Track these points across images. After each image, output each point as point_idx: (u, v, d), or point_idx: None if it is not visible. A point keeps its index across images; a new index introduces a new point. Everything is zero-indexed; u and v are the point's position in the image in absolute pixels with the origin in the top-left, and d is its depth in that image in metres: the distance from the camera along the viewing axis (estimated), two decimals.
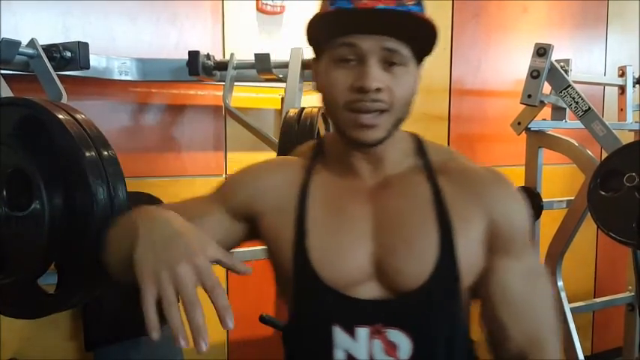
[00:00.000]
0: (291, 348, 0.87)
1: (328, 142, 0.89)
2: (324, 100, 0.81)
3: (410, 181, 0.83)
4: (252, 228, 0.88)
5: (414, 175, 0.83)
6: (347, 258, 0.80)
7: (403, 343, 0.77)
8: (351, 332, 0.78)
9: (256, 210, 0.87)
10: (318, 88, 0.82)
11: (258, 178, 0.89)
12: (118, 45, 1.87)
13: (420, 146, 0.87)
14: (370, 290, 0.79)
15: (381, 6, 0.72)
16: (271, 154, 1.65)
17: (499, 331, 0.81)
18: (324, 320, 0.80)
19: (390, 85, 0.75)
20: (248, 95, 2.12)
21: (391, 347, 0.77)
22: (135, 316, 1.74)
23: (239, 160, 2.13)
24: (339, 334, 0.78)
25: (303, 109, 1.43)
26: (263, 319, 1.84)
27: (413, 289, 0.77)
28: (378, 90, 0.74)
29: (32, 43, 1.42)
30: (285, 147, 1.35)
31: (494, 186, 0.82)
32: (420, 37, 0.76)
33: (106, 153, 1.11)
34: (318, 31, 0.79)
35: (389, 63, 0.75)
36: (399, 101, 0.77)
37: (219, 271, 2.05)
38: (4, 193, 1.09)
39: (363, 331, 0.77)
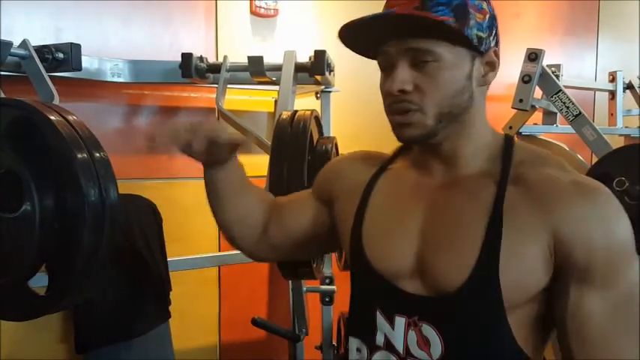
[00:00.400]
0: (348, 326, 0.92)
1: None
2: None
3: (476, 183, 0.79)
4: (332, 211, 0.96)
5: (483, 179, 0.79)
6: (394, 251, 0.82)
7: (435, 340, 0.77)
8: (390, 319, 0.80)
9: (333, 194, 0.95)
10: None
11: (339, 164, 1.01)
12: (111, 47, 1.86)
13: (507, 149, 0.81)
14: (414, 285, 0.80)
15: (380, 13, 0.76)
16: (264, 157, 1.65)
17: (568, 357, 0.75)
18: (369, 303, 0.83)
19: (420, 84, 0.76)
20: (241, 98, 2.13)
21: (424, 342, 0.77)
22: (126, 319, 1.73)
23: None
24: (380, 319, 0.81)
25: (296, 111, 1.44)
26: (255, 322, 1.84)
27: (449, 291, 0.75)
28: (404, 91, 0.76)
29: (24, 44, 1.41)
30: (278, 149, 1.36)
31: (572, 200, 0.72)
32: (439, 31, 0.75)
33: (97, 154, 1.11)
34: (358, 46, 0.82)
35: (421, 62, 0.76)
36: (433, 98, 0.76)
37: (212, 272, 2.01)
38: None
39: (400, 321, 0.79)
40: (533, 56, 2.06)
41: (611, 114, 2.64)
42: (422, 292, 0.79)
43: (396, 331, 0.79)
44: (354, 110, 2.30)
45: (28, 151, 1.09)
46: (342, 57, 2.09)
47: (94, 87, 1.83)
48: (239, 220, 0.99)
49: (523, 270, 0.73)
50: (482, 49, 0.78)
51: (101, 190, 1.09)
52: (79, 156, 1.08)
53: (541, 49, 2.06)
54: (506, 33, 2.66)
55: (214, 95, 1.84)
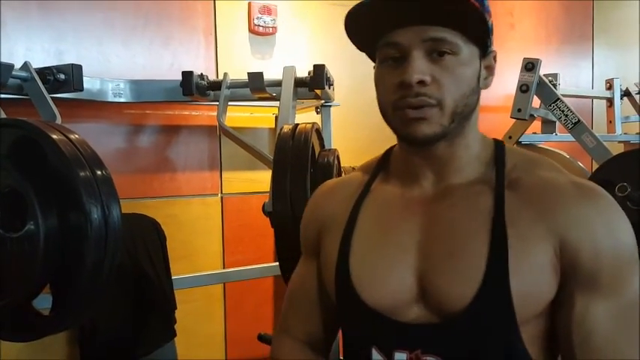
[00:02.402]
0: None
1: (394, 153, 0.84)
2: (379, 103, 0.75)
3: (472, 191, 0.74)
4: None
5: (478, 186, 0.74)
6: (389, 278, 0.74)
7: None
8: (389, 357, 0.72)
9: (322, 239, 0.85)
10: (376, 94, 0.76)
11: (317, 208, 0.88)
12: (112, 68, 1.89)
13: (498, 154, 0.77)
14: (415, 311, 0.72)
15: None
16: (266, 172, 1.66)
17: None
18: (363, 341, 0.75)
19: (438, 77, 0.69)
20: (242, 115, 2.14)
21: None
22: (131, 338, 1.72)
23: (234, 178, 2.14)
24: (376, 357, 0.73)
25: (297, 125, 1.45)
26: (261, 338, 1.83)
27: (456, 311, 0.68)
28: (422, 83, 0.68)
29: (25, 67, 1.43)
30: (280, 161, 1.36)
31: (574, 202, 0.69)
32: (464, 20, 0.69)
33: (99, 172, 1.11)
34: (360, 35, 0.74)
35: (438, 53, 0.69)
36: (452, 94, 0.69)
37: (217, 290, 2.01)
38: None
39: (401, 357, 0.71)
40: (530, 66, 2.08)
41: (610, 121, 2.65)
42: (425, 320, 0.72)
43: None
44: (355, 124, 2.32)
45: (31, 170, 1.09)
46: (341, 72, 2.11)
47: (96, 108, 1.85)
48: None
49: (534, 279, 0.68)
50: (488, 51, 0.75)
51: (104, 207, 1.08)
52: (82, 174, 1.08)
53: (537, 59, 2.08)
54: (502, 44, 2.71)
55: (215, 113, 1.86)
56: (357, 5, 0.69)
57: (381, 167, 0.84)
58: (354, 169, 1.01)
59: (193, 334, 1.98)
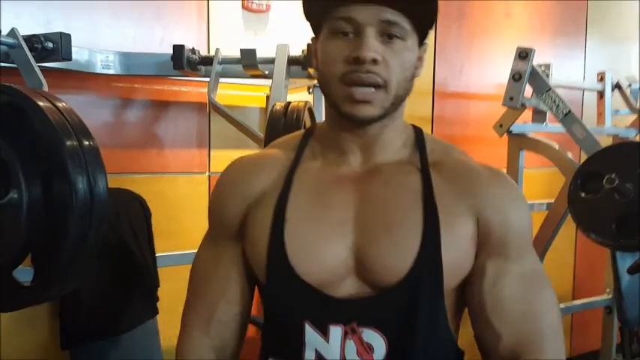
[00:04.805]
0: (265, 346, 0.82)
1: (318, 131, 0.86)
2: (321, 75, 0.77)
3: (400, 170, 0.79)
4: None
5: (405, 166, 0.80)
6: (325, 250, 0.75)
7: (378, 343, 0.72)
8: (323, 331, 0.73)
9: (245, 217, 0.83)
10: (316, 65, 0.79)
11: (241, 185, 0.84)
12: (102, 40, 1.85)
13: (419, 138, 0.83)
14: (350, 285, 0.75)
15: None
16: (256, 151, 1.64)
17: (489, 333, 0.76)
18: (295, 316, 0.75)
19: (387, 58, 0.72)
20: (233, 93, 2.11)
21: (366, 349, 0.73)
22: (113, 314, 1.70)
23: (223, 157, 2.12)
24: (309, 332, 0.74)
25: (290, 103, 1.43)
26: None
27: (392, 283, 0.72)
28: (374, 62, 0.71)
29: (12, 33, 1.39)
30: (271, 140, 1.34)
31: (489, 183, 0.77)
32: (420, 9, 0.74)
33: (86, 142, 1.09)
34: (315, 5, 0.77)
35: (388, 35, 0.73)
36: (397, 76, 0.74)
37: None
38: None
39: (336, 330, 0.73)
40: (524, 54, 2.07)
41: (600, 113, 2.66)
42: (360, 293, 0.74)
43: (332, 343, 0.73)
44: None
45: (15, 138, 1.07)
46: None
47: (84, 79, 1.81)
48: None
49: (460, 253, 0.75)
50: (423, 43, 0.79)
51: (89, 177, 1.07)
52: (68, 143, 1.06)
53: (531, 48, 2.08)
54: (497, 32, 2.70)
55: (205, 90, 1.83)
56: None
57: (305, 144, 0.85)
58: None
59: (176, 313, 1.96)
